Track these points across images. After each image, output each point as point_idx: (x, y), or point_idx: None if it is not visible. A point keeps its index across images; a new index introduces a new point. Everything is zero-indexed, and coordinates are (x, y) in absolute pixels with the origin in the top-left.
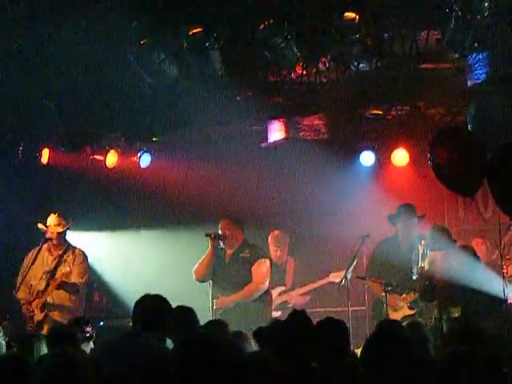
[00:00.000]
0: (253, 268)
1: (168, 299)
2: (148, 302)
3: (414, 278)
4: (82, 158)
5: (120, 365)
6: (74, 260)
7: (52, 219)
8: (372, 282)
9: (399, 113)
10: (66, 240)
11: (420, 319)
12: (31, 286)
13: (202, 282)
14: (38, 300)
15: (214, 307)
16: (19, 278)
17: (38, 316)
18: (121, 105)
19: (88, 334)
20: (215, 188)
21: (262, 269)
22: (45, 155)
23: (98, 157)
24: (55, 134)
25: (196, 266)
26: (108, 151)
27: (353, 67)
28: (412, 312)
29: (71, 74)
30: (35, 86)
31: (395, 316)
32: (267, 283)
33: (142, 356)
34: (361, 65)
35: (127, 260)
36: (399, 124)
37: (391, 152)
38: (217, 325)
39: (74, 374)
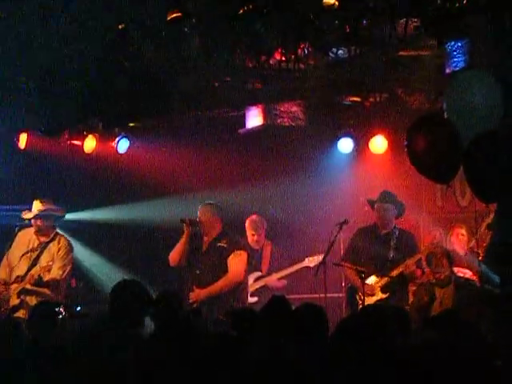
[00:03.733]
0: (228, 259)
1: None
2: (125, 288)
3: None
4: (60, 142)
5: (95, 352)
6: (59, 250)
7: (36, 205)
8: (347, 269)
9: (378, 100)
10: (53, 227)
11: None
12: (12, 268)
13: (177, 267)
14: (16, 285)
15: (190, 301)
16: (4, 259)
17: (14, 301)
18: (99, 89)
19: (61, 316)
20: (193, 174)
21: (237, 261)
22: (22, 140)
23: (75, 142)
24: (33, 118)
25: (171, 252)
26: (86, 136)
27: (332, 54)
28: (385, 296)
29: (49, 57)
30: (13, 70)
31: (369, 301)
32: (243, 276)
33: (117, 343)
34: (339, 51)
35: (105, 245)
36: (378, 111)
37: (369, 139)
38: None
39: None
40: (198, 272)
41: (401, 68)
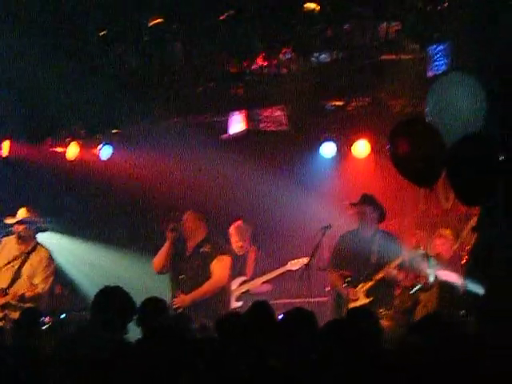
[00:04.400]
0: (212, 264)
1: (129, 292)
2: (108, 294)
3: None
4: (43, 150)
5: (79, 358)
6: (40, 262)
7: (22, 213)
8: (332, 275)
9: (360, 104)
10: (34, 237)
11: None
12: None
13: (161, 273)
14: None
15: (174, 306)
16: None
17: None
18: (81, 96)
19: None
20: (176, 180)
21: (221, 265)
22: (5, 147)
23: (58, 149)
24: (16, 125)
25: (155, 257)
26: (69, 143)
27: (314, 58)
28: (368, 300)
29: (31, 63)
30: None
31: (354, 305)
32: (226, 280)
33: (100, 349)
34: (322, 56)
35: (88, 252)
36: (360, 115)
37: (352, 143)
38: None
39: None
40: (181, 277)
41: (383, 72)
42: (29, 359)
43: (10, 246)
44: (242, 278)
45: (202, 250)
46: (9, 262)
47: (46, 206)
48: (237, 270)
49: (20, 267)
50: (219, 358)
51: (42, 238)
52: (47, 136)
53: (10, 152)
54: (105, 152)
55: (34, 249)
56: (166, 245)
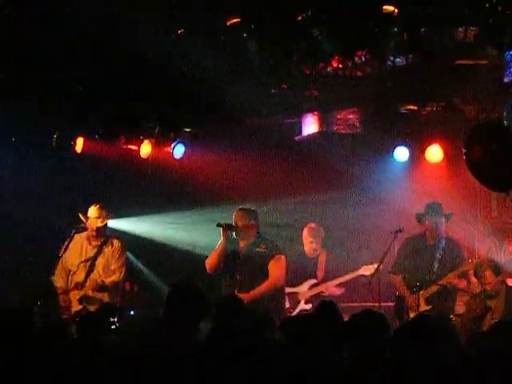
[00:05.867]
0: (270, 264)
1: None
2: (181, 291)
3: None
4: (116, 147)
5: (150, 356)
6: (113, 252)
7: (92, 211)
8: (396, 277)
9: (434, 109)
10: (105, 231)
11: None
12: (69, 272)
13: (214, 273)
14: (76, 291)
15: None
16: (58, 264)
17: (76, 307)
18: (156, 95)
19: (113, 326)
20: (248, 180)
21: (278, 266)
22: (79, 144)
23: (132, 146)
24: (90, 122)
25: (208, 257)
26: (142, 141)
27: (389, 62)
28: (428, 307)
29: (107, 62)
30: (70, 74)
31: (413, 313)
32: (284, 280)
33: (171, 348)
34: (397, 59)
35: (159, 249)
36: (434, 120)
37: (425, 148)
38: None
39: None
40: (238, 277)
41: (458, 77)
42: (93, 354)
43: (81, 242)
44: (313, 281)
45: (256, 249)
46: (84, 260)
47: (117, 204)
48: (307, 272)
49: (94, 260)
50: (283, 358)
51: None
52: (121, 134)
53: (83, 149)
54: (178, 150)
55: (106, 241)
56: (220, 245)
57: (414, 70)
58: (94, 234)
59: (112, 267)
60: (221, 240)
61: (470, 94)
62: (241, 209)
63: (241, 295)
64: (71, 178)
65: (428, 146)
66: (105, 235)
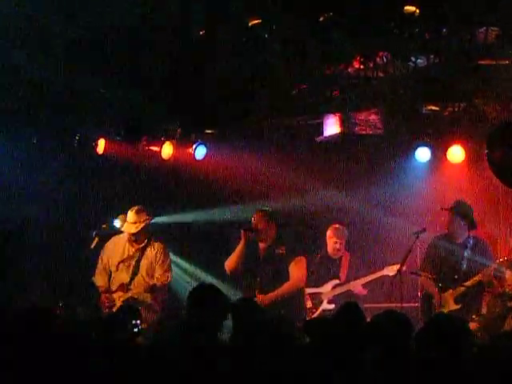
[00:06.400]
0: (290, 266)
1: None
2: (203, 292)
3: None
4: (138, 148)
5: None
6: (156, 255)
7: (129, 216)
8: (424, 278)
9: (456, 109)
10: (148, 232)
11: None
12: (110, 272)
13: (234, 275)
14: (121, 293)
15: None
16: (98, 265)
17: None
18: (178, 96)
19: (136, 329)
20: (269, 181)
21: (299, 267)
22: (101, 145)
23: (153, 148)
24: (112, 123)
25: (228, 259)
26: (163, 142)
27: (410, 62)
28: (457, 307)
29: (129, 64)
30: (92, 75)
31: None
32: (304, 281)
33: (194, 349)
34: (418, 60)
35: (179, 252)
36: (456, 120)
37: (447, 148)
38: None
39: None
40: (258, 279)
41: (479, 77)
42: (116, 356)
43: (122, 244)
44: (335, 281)
45: (276, 251)
46: (124, 260)
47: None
48: (330, 272)
49: (137, 263)
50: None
51: None
52: (143, 135)
53: (105, 150)
54: (199, 152)
55: (148, 244)
56: (240, 246)
57: (436, 71)
58: (132, 238)
59: (157, 271)
60: (241, 242)
61: (491, 94)
62: (260, 210)
63: (261, 297)
64: (92, 180)
65: (449, 146)
66: (146, 237)
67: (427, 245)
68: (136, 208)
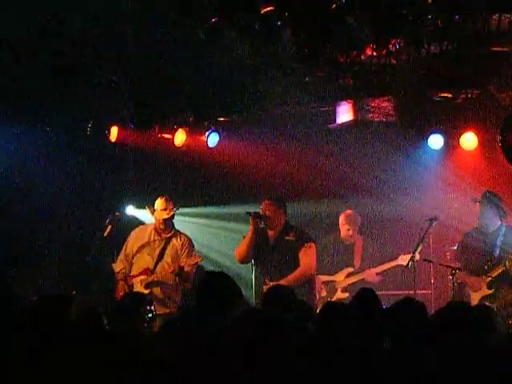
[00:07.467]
0: (300, 252)
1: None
2: (212, 279)
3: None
4: (151, 136)
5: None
6: (182, 245)
7: (159, 203)
8: (460, 272)
9: (469, 96)
10: (172, 223)
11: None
12: (132, 258)
13: (244, 263)
14: (144, 276)
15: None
16: (122, 251)
17: (143, 292)
18: (190, 83)
19: (151, 314)
20: (282, 169)
21: (309, 253)
22: (113, 132)
23: (166, 135)
24: (124, 111)
25: (238, 246)
26: (176, 130)
27: (423, 49)
28: (490, 292)
29: (141, 51)
30: (105, 64)
31: (475, 296)
32: (314, 268)
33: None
34: (432, 46)
35: (193, 238)
36: (469, 107)
37: (460, 135)
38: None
39: None
40: (269, 266)
41: (493, 64)
42: (128, 344)
43: (148, 231)
44: (349, 270)
45: (286, 238)
46: (145, 245)
47: (152, 192)
48: (343, 260)
49: (162, 251)
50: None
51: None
52: (155, 122)
53: (118, 137)
54: (212, 139)
55: (174, 234)
56: (249, 234)
57: (449, 58)
58: (162, 226)
59: (183, 258)
60: (250, 229)
61: (504, 80)
62: (269, 198)
63: (271, 283)
64: (105, 167)
65: (463, 133)
66: (173, 228)
67: (460, 241)
68: (164, 196)
